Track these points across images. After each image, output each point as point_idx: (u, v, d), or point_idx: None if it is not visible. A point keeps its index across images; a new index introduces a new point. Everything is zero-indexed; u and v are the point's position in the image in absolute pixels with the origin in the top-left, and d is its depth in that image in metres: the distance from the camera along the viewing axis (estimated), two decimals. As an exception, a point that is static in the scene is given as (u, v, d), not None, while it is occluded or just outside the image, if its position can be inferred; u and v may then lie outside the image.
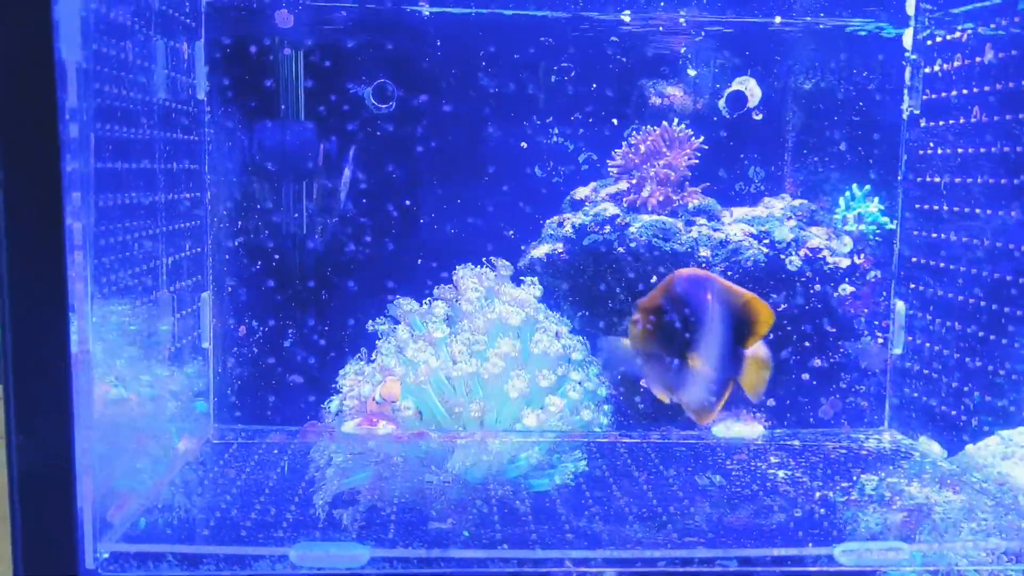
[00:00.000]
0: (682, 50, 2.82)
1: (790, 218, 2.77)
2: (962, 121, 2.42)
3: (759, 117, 2.76)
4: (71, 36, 1.62)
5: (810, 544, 1.90)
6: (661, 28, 2.74)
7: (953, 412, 2.45)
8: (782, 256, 2.71)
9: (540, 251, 2.81)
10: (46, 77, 1.60)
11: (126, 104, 1.98)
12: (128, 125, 1.98)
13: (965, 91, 2.41)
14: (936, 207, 2.54)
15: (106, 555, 1.77)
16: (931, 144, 2.57)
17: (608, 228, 2.74)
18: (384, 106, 2.67)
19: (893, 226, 2.75)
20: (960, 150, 2.43)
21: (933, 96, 2.56)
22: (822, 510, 2.08)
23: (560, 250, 2.79)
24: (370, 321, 2.72)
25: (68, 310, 1.63)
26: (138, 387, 2.08)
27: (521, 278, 2.79)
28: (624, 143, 2.83)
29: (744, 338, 1.79)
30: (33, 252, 1.63)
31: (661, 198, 2.77)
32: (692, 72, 2.84)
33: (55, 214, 1.63)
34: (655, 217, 2.76)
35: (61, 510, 1.69)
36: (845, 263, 2.72)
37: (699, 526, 1.99)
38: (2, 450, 1.67)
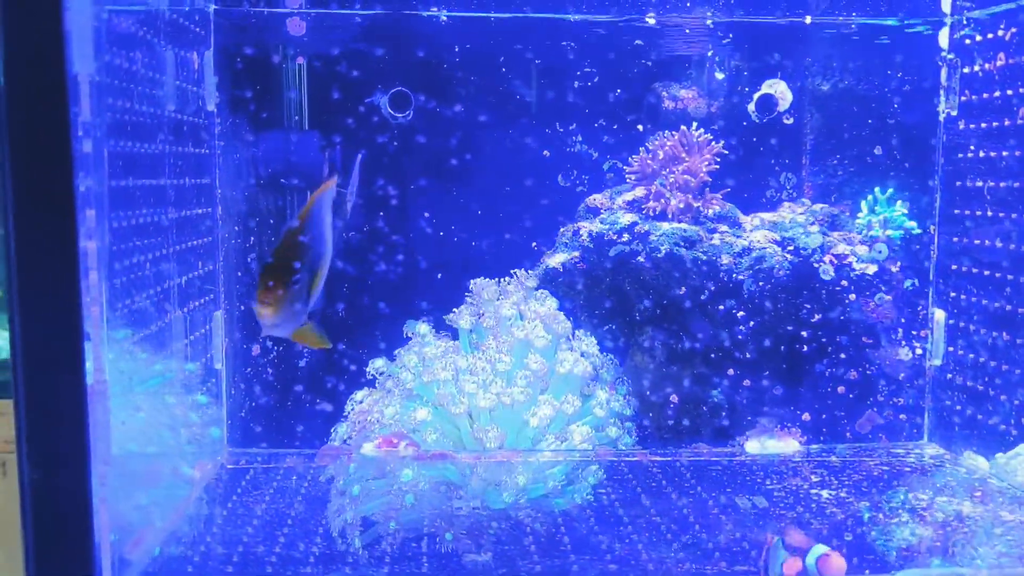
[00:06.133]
0: (709, 53, 2.73)
1: (813, 223, 2.68)
2: (1007, 123, 2.33)
3: (790, 121, 2.67)
4: (83, 47, 1.52)
5: (867, 572, 1.80)
6: (688, 31, 2.64)
7: (1003, 426, 2.36)
8: (814, 264, 2.61)
9: (555, 260, 2.71)
10: (58, 90, 1.50)
11: (137, 117, 1.88)
12: (139, 139, 1.88)
13: (1009, 91, 2.31)
14: (978, 212, 2.45)
15: (126, 595, 1.67)
16: (971, 147, 2.48)
17: (627, 236, 2.65)
18: (401, 115, 2.57)
19: (920, 231, 2.66)
20: (1005, 152, 2.34)
21: (973, 97, 2.47)
22: (873, 532, 1.99)
23: (576, 258, 2.69)
24: (383, 346, 2.58)
25: (83, 338, 1.53)
26: (151, 412, 1.97)
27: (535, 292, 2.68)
28: (642, 148, 2.73)
29: None
30: (46, 276, 1.52)
31: (682, 205, 2.68)
32: (720, 75, 2.75)
33: (69, 235, 1.53)
34: (676, 225, 2.66)
35: (78, 548, 1.59)
36: (872, 269, 2.63)
37: (747, 552, 1.89)
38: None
